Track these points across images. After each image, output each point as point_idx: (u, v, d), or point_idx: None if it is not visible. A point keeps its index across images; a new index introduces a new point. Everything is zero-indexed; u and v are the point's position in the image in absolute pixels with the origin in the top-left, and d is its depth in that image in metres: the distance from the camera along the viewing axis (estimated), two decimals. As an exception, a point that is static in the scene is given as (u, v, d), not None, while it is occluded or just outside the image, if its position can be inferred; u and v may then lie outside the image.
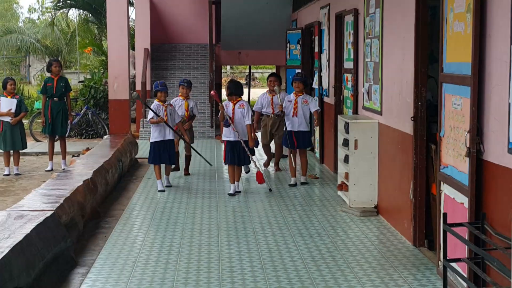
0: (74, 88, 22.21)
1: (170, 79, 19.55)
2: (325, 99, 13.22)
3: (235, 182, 10.62)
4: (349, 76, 11.02)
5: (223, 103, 10.74)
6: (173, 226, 8.68)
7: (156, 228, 8.56)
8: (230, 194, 10.47)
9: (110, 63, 15.63)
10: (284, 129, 11.50)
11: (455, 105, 6.05)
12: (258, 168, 10.91)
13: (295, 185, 11.18)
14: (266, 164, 12.90)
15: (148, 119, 11.22)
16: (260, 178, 10.72)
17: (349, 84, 10.99)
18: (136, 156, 14.23)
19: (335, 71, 12.18)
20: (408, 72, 7.81)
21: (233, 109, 10.58)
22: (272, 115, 12.42)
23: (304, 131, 11.40)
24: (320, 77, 13.58)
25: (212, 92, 11.10)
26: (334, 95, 12.19)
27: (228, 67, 45.91)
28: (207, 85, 19.21)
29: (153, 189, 11.05)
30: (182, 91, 12.09)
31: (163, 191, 10.80)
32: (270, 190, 10.72)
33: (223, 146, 10.88)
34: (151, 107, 11.13)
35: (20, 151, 13.95)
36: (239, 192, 10.58)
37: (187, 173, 12.29)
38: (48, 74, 14.30)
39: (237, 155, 10.57)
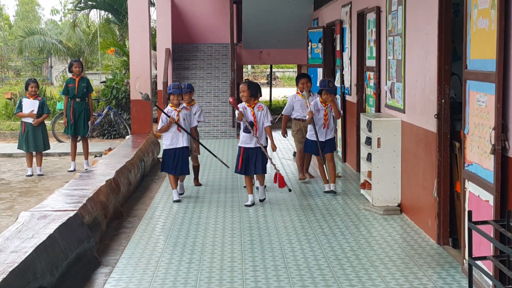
0: (96, 89, 22.32)
1: (191, 79, 19.56)
2: (347, 97, 13.17)
3: (260, 187, 9.93)
4: (371, 74, 10.97)
5: (240, 107, 9.83)
6: (196, 225, 8.67)
7: (179, 228, 8.56)
8: (247, 205, 9.68)
9: (131, 63, 15.67)
10: (312, 137, 10.64)
11: (480, 102, 5.99)
12: (278, 170, 10.08)
13: (330, 191, 10.44)
14: (302, 177, 11.47)
15: (158, 128, 10.29)
16: (281, 181, 9.97)
17: (372, 82, 10.93)
18: (158, 156, 14.24)
19: (357, 69, 12.13)
20: (432, 69, 7.75)
21: (253, 113, 9.76)
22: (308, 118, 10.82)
23: (331, 138, 10.70)
24: (342, 76, 13.54)
25: (230, 99, 10.05)
26: (356, 93, 12.14)
27: (249, 66, 45.94)
28: (228, 85, 19.22)
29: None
30: (173, 98, 10.31)
31: (179, 201, 10.05)
32: (290, 190, 10.18)
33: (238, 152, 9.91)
34: (164, 111, 10.29)
35: (43, 152, 14.01)
36: (264, 199, 9.89)
37: (197, 183, 11.27)
38: (70, 75, 14.34)
39: (254, 164, 9.76)
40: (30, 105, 13.63)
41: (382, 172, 9.23)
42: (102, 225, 8.28)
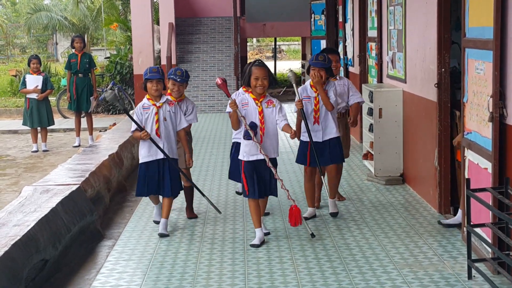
0: (100, 65, 22.33)
1: (195, 53, 19.57)
2: (350, 68, 13.16)
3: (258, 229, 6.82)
4: (373, 45, 10.94)
5: (236, 97, 6.91)
6: (199, 197, 8.69)
7: (182, 200, 8.56)
8: (253, 245, 6.69)
9: (134, 38, 15.70)
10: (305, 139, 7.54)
11: (478, 70, 5.99)
12: (293, 201, 6.89)
13: (312, 217, 7.63)
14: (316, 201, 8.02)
15: (131, 130, 7.31)
16: (296, 216, 6.80)
17: (373, 53, 10.91)
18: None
19: (359, 40, 12.09)
20: (431, 38, 7.73)
21: (261, 110, 6.73)
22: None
23: (333, 138, 7.51)
24: (344, 47, 13.51)
25: (218, 80, 7.01)
26: (358, 64, 12.11)
27: (254, 40, 45.82)
28: (232, 58, 19.19)
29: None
30: (173, 88, 7.52)
31: (167, 235, 7.16)
32: (313, 235, 6.85)
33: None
34: (136, 109, 7.33)
35: (48, 127, 14.06)
36: (268, 233, 7.03)
37: (192, 215, 7.88)
38: (73, 51, 14.36)
39: (264, 182, 6.83)
40: (34, 81, 13.67)
41: (384, 143, 9.23)
42: (105, 199, 8.33)
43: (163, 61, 19.16)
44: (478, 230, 5.71)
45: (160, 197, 7.49)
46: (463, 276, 5.65)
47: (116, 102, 7.49)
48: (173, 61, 18.94)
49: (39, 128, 13.81)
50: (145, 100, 7.29)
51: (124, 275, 6.08)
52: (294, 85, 7.46)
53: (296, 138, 7.08)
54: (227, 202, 8.41)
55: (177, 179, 7.32)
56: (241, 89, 7.31)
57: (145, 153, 7.21)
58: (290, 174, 9.84)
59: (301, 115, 7.35)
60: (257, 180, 6.76)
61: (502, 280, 5.43)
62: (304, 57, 24.84)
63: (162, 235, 7.12)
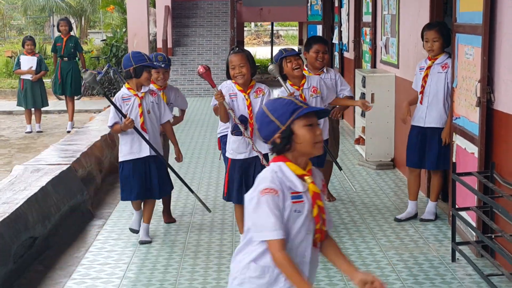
0: (97, 47, 22.30)
1: (191, 37, 19.58)
2: (345, 53, 13.16)
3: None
4: (367, 30, 10.96)
5: (222, 88, 5.96)
6: (191, 179, 8.73)
7: (173, 182, 8.60)
8: None
9: (129, 21, 15.66)
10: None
11: (467, 55, 6.02)
12: None
13: None
14: None
15: (109, 123, 6.36)
16: None
17: (368, 38, 10.92)
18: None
19: (354, 25, 12.09)
20: (424, 23, 7.72)
21: (249, 103, 5.89)
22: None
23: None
24: (340, 32, 13.52)
25: (200, 68, 5.99)
26: (353, 49, 12.12)
27: (253, 24, 45.76)
28: (228, 42, 19.21)
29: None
30: (157, 76, 6.66)
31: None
32: None
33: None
34: (114, 100, 6.26)
35: (42, 109, 14.05)
36: None
37: (170, 219, 7.09)
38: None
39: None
40: (28, 62, 13.66)
41: (376, 128, 9.27)
42: (96, 179, 8.37)
43: (159, 44, 19.18)
44: (463, 213, 5.76)
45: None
46: (447, 259, 5.71)
47: (95, 85, 6.48)
48: (169, 45, 18.96)
49: (33, 109, 13.81)
50: (124, 90, 6.27)
51: (113, 254, 6.14)
52: (279, 78, 6.35)
53: None
54: (216, 197, 8.44)
55: (167, 177, 6.51)
56: (229, 81, 6.04)
57: (127, 150, 6.25)
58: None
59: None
60: (240, 181, 5.91)
61: (485, 263, 5.49)
62: (301, 42, 24.84)
63: (143, 242, 6.34)
